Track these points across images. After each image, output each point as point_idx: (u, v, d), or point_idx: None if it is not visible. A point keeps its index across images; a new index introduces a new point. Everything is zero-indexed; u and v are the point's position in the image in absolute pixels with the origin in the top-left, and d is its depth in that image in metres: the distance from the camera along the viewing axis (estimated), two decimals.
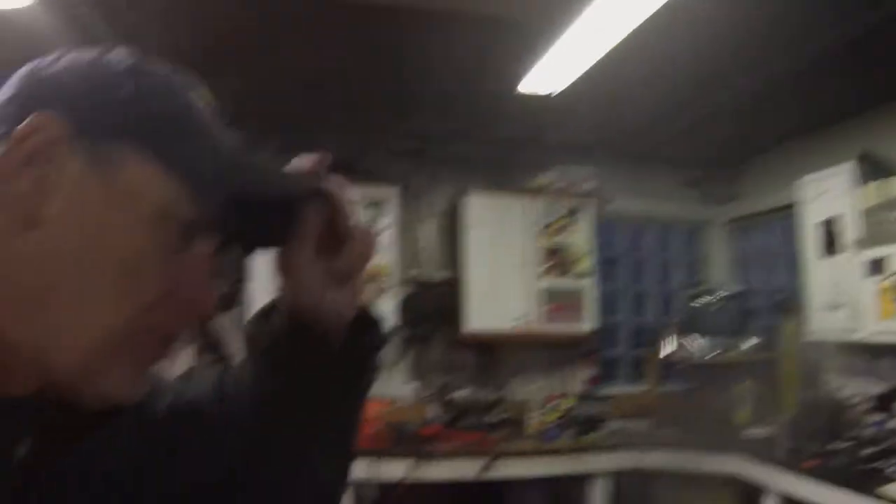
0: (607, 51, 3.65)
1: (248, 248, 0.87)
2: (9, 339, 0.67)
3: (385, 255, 4.90)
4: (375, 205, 4.99)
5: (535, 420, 4.69)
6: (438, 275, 5.32)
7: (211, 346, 5.19)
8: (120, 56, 0.77)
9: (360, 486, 4.33)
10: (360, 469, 4.20)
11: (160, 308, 0.72)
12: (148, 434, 0.86)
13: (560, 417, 4.59)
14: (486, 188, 5.15)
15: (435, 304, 5.21)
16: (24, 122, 0.69)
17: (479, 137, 5.35)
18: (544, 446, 4.52)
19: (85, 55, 0.78)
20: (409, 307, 5.19)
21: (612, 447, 4.64)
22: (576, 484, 4.61)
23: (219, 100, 0.80)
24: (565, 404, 4.64)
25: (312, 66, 4.49)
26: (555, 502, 4.92)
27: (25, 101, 0.73)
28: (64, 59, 0.77)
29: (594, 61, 3.79)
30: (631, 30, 3.44)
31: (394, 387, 5.21)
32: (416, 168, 5.42)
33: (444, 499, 4.51)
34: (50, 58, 0.78)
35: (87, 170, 0.71)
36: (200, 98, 0.79)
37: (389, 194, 5.04)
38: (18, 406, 0.70)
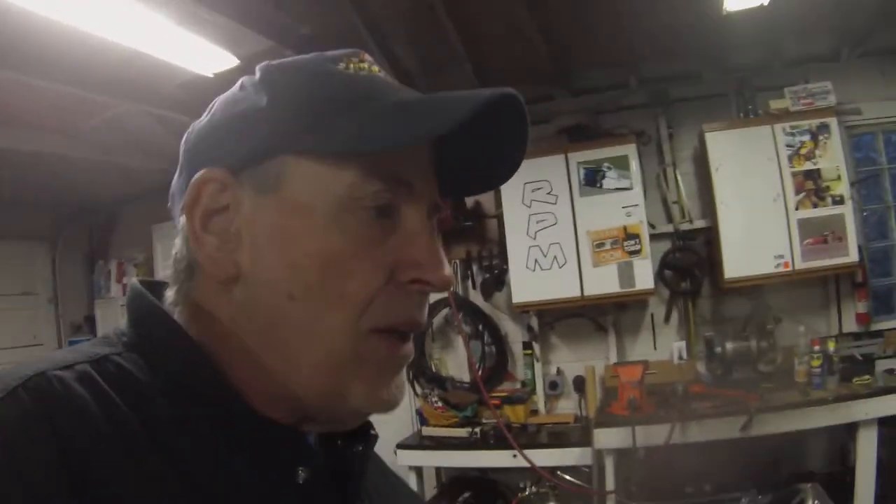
0: None
1: (463, 192, 0.88)
2: (268, 368, 0.72)
3: (635, 213, 4.74)
4: (617, 161, 4.81)
5: (802, 367, 4.30)
6: (694, 225, 5.06)
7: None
8: (255, 75, 0.77)
9: (623, 453, 4.17)
10: (623, 436, 4.09)
11: (385, 299, 0.71)
12: None
13: (825, 361, 4.17)
14: (723, 124, 4.76)
15: (695, 257, 4.98)
16: (187, 191, 0.74)
17: (704, 72, 5.06)
18: (811, 395, 4.11)
19: (227, 93, 0.79)
20: (669, 264, 5.01)
21: (884, 391, 4.09)
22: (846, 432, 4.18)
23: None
24: (831, 346, 4.21)
25: (532, 26, 4.38)
26: (832, 451, 4.53)
27: (188, 169, 0.77)
28: (211, 108, 0.79)
29: None
30: None
31: (662, 348, 5.07)
32: (652, 119, 5.21)
33: (713, 458, 4.22)
34: (203, 115, 0.80)
35: (258, 199, 0.72)
36: (351, 66, 0.76)
37: (629, 150, 4.84)
38: (294, 434, 0.75)
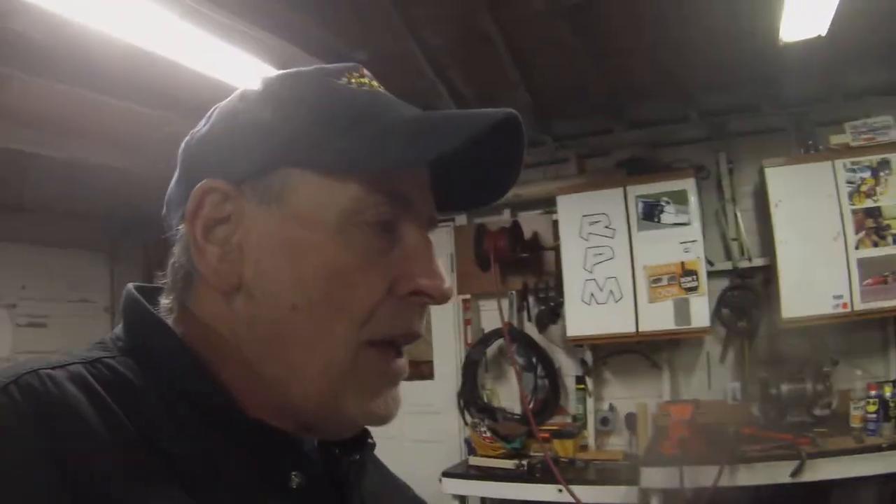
0: None
1: (462, 205, 0.88)
2: (267, 378, 0.73)
3: (693, 249, 4.68)
4: (676, 196, 4.76)
5: (858, 411, 4.15)
6: (753, 263, 4.95)
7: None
8: (254, 88, 0.78)
9: (670, 494, 4.07)
10: (670, 475, 3.99)
11: (386, 312, 0.72)
12: None
13: (881, 407, 4.02)
14: (782, 159, 4.65)
15: (753, 296, 4.86)
16: (189, 200, 0.74)
17: (763, 105, 4.97)
18: (865, 441, 3.96)
19: (226, 103, 0.80)
20: (726, 302, 4.91)
21: None
22: None
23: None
24: (888, 392, 4.06)
25: (586, 57, 4.39)
26: (883, 500, 4.31)
27: (187, 178, 0.78)
28: (210, 116, 0.80)
29: None
30: None
31: (716, 387, 4.97)
32: (710, 153, 5.15)
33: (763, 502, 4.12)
34: (202, 121, 0.81)
35: (261, 211, 0.73)
36: (353, 81, 0.77)
37: (688, 184, 4.77)
38: (287, 439, 0.75)
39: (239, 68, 3.53)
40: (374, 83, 0.80)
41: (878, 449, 3.87)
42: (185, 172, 0.80)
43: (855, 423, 4.17)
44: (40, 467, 0.58)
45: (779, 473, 3.90)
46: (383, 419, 0.76)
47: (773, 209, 4.55)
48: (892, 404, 4.04)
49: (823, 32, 3.67)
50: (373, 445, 0.86)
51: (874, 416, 4.02)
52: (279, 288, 0.71)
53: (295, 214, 0.72)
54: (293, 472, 0.73)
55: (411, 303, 0.74)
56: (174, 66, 3.36)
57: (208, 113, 0.81)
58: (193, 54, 3.35)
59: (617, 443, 5.18)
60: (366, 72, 0.81)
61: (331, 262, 0.71)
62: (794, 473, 3.85)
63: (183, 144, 0.82)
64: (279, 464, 0.73)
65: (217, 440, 0.70)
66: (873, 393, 4.07)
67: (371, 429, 0.83)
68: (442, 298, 0.74)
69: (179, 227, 0.78)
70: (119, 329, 0.77)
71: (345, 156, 0.71)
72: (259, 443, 0.72)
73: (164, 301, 0.80)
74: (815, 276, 4.41)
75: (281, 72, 0.80)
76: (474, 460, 5.02)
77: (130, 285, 0.82)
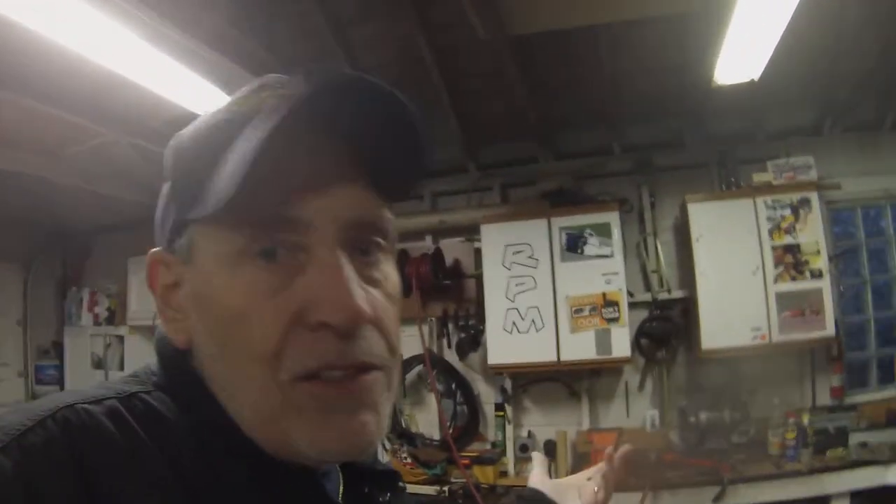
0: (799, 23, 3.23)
1: (394, 191, 0.80)
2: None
3: (615, 281, 4.74)
4: (599, 228, 4.82)
5: (776, 439, 4.28)
6: (672, 295, 5.07)
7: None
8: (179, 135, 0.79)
9: None
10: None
11: (297, 347, 0.68)
12: None
13: (799, 434, 4.16)
14: (705, 195, 4.82)
15: (672, 326, 4.97)
16: (146, 269, 0.79)
17: (688, 140, 5.12)
18: (784, 467, 4.09)
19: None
20: (646, 332, 5.01)
21: (857, 463, 4.14)
22: None
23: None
24: (805, 419, 4.20)
25: (520, 84, 4.46)
26: None
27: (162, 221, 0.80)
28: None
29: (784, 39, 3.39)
30: None
31: (634, 415, 5.04)
32: (634, 186, 5.25)
33: None
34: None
35: (185, 271, 0.75)
36: (241, 106, 0.74)
37: (612, 217, 4.85)
38: (313, 479, 0.76)
39: (174, 82, 3.42)
40: (278, 93, 0.73)
41: (798, 474, 4.00)
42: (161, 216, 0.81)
43: (773, 450, 4.31)
44: (71, 499, 0.59)
45: (701, 499, 3.99)
46: (344, 453, 0.72)
47: (694, 243, 4.68)
48: (810, 431, 4.18)
49: (756, 77, 3.81)
50: (403, 489, 0.88)
51: (793, 442, 4.16)
52: (201, 340, 0.74)
53: (199, 269, 0.73)
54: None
55: (324, 332, 0.68)
56: (107, 74, 3.23)
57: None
58: (128, 64, 3.21)
59: None
60: (272, 81, 0.76)
61: (227, 307, 0.70)
62: (717, 499, 3.95)
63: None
64: (302, 503, 0.74)
65: (244, 478, 0.70)
66: (792, 420, 4.21)
67: None
68: (346, 328, 0.68)
69: None
70: (154, 364, 0.79)
71: (209, 203, 0.68)
72: (283, 481, 0.72)
73: None
74: (735, 308, 4.55)
75: (190, 125, 0.79)
76: None
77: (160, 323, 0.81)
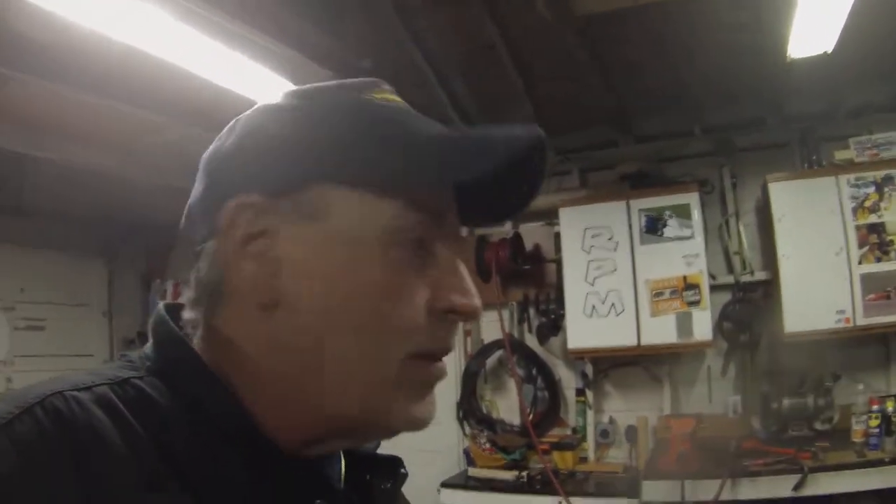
0: None
1: (480, 220, 0.87)
2: (306, 391, 0.72)
3: (695, 263, 4.67)
4: (679, 210, 4.75)
5: (860, 426, 4.15)
6: (755, 277, 4.96)
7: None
8: (280, 100, 0.78)
9: None
10: (671, 489, 3.99)
11: (427, 328, 0.73)
12: None
13: (883, 422, 4.02)
14: (786, 174, 4.67)
15: (755, 310, 4.86)
16: (222, 214, 0.73)
17: (768, 120, 5.00)
18: (867, 456, 3.96)
19: (251, 116, 0.79)
20: (728, 316, 4.91)
21: None
22: None
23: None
24: (890, 406, 4.05)
25: (593, 70, 4.42)
26: None
27: (213, 191, 0.77)
28: (234, 129, 0.79)
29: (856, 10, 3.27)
30: None
31: (717, 401, 4.96)
32: (715, 168, 5.15)
33: None
34: (223, 132, 0.80)
35: (299, 228, 0.72)
36: (376, 97, 0.77)
37: (692, 199, 4.77)
38: (314, 467, 0.76)
39: (241, 75, 3.48)
40: (397, 98, 0.79)
41: (880, 463, 3.86)
42: (210, 186, 0.78)
43: (856, 438, 4.16)
44: (63, 491, 0.59)
45: (781, 487, 3.89)
46: (424, 423, 0.76)
47: (776, 224, 4.55)
48: (894, 419, 4.03)
49: (830, 49, 3.70)
50: (405, 476, 0.86)
51: (876, 430, 4.02)
52: (325, 305, 0.70)
53: (337, 232, 0.71)
54: (317, 500, 0.73)
55: (447, 320, 0.75)
56: (172, 69, 3.31)
57: (230, 125, 0.80)
58: (193, 58, 3.28)
59: (616, 455, 5.16)
60: (386, 86, 0.80)
61: (376, 281, 0.70)
62: (797, 487, 3.84)
63: (206, 157, 0.80)
64: (302, 491, 0.73)
65: (240, 465, 0.69)
66: (875, 407, 4.07)
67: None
68: (474, 316, 0.75)
69: (206, 243, 0.76)
70: (149, 347, 0.77)
71: (382, 173, 0.70)
72: (282, 469, 0.72)
73: (189, 315, 0.78)
74: (818, 290, 4.40)
75: (304, 87, 0.79)
76: (473, 471, 5.00)
77: (161, 304, 0.81)
